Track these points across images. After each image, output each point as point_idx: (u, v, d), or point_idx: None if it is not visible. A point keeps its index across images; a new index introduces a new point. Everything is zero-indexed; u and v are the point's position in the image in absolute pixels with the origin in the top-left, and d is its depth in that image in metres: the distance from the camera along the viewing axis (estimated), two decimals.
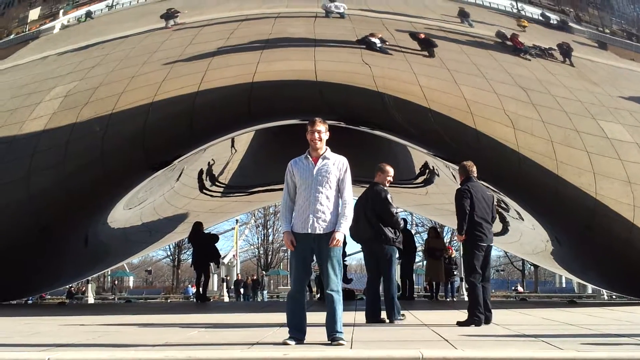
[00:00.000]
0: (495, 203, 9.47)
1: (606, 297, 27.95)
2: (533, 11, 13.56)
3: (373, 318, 9.62)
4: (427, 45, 13.30)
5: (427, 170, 19.97)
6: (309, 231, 6.88)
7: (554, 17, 13.65)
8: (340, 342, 6.68)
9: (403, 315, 9.95)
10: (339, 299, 6.88)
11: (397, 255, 10.04)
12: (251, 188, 21.76)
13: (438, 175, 19.70)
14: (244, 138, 19.25)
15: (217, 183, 20.54)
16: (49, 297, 34.90)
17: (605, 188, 13.34)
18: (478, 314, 8.90)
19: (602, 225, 14.20)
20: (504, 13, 13.56)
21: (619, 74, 14.02)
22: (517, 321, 9.65)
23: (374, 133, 15.87)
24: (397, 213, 9.88)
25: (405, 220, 20.37)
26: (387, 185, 9.96)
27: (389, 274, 9.71)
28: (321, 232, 6.87)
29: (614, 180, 13.44)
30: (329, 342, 6.74)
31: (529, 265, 56.18)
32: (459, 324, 8.97)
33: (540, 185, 13.95)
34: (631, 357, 5.66)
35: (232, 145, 19.52)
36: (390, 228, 9.66)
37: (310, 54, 13.55)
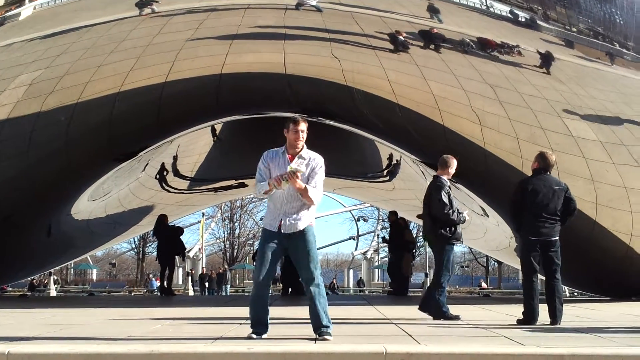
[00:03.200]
0: (563, 195, 8.83)
1: (568, 294, 28.28)
2: (502, 8, 13.65)
3: (438, 314, 9.36)
4: (439, 40, 13.30)
5: (392, 163, 20.00)
6: (282, 231, 6.86)
7: (522, 15, 13.76)
8: (326, 337, 6.65)
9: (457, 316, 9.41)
10: (320, 292, 6.87)
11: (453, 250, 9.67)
12: (218, 181, 21.63)
13: (400, 166, 19.74)
14: (210, 130, 19.13)
15: (182, 176, 20.37)
16: (10, 289, 34.39)
17: (569, 185, 13.49)
18: (530, 311, 8.65)
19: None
20: (474, 10, 13.64)
21: (585, 72, 14.17)
22: (480, 317, 9.73)
23: (342, 127, 15.87)
24: (450, 208, 9.39)
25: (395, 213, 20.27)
26: (449, 177, 9.69)
27: (441, 270, 9.41)
28: (294, 231, 6.86)
29: (577, 178, 13.58)
30: (316, 336, 6.71)
31: (493, 262, 56.75)
32: (519, 322, 8.69)
33: (506, 182, 14.05)
34: (591, 353, 5.72)
35: (215, 135, 19.38)
36: (445, 224, 9.37)
37: (280, 47, 13.49)
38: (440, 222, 9.40)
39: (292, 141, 6.88)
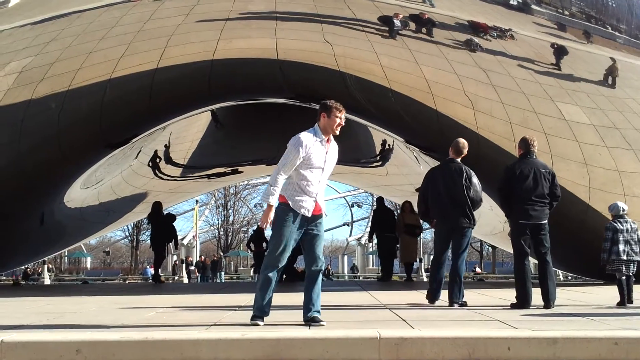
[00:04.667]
0: (551, 179, 8.94)
1: (562, 278, 28.42)
2: None
3: (435, 299, 9.32)
4: (429, 24, 13.23)
5: (384, 148, 20.00)
6: (312, 214, 6.82)
7: None
8: (321, 322, 6.65)
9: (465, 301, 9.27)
10: (320, 277, 6.92)
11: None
12: (211, 168, 21.57)
13: (392, 151, 19.75)
14: (203, 117, 19.06)
15: (175, 163, 20.29)
16: (4, 278, 34.29)
17: (562, 170, 13.46)
18: (523, 295, 8.65)
19: (559, 207, 14.39)
20: None
21: (577, 56, 14.15)
22: (474, 301, 9.73)
23: None
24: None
25: (381, 199, 20.29)
26: None
27: (464, 255, 9.39)
28: (322, 213, 6.92)
29: (570, 161, 13.60)
30: (310, 321, 6.68)
31: (487, 247, 56.94)
32: (513, 306, 8.68)
33: (499, 167, 14.05)
34: (584, 336, 5.74)
35: (216, 120, 19.25)
36: (474, 208, 9.35)
37: (272, 32, 13.41)
38: (473, 206, 9.33)
39: (333, 128, 6.96)
